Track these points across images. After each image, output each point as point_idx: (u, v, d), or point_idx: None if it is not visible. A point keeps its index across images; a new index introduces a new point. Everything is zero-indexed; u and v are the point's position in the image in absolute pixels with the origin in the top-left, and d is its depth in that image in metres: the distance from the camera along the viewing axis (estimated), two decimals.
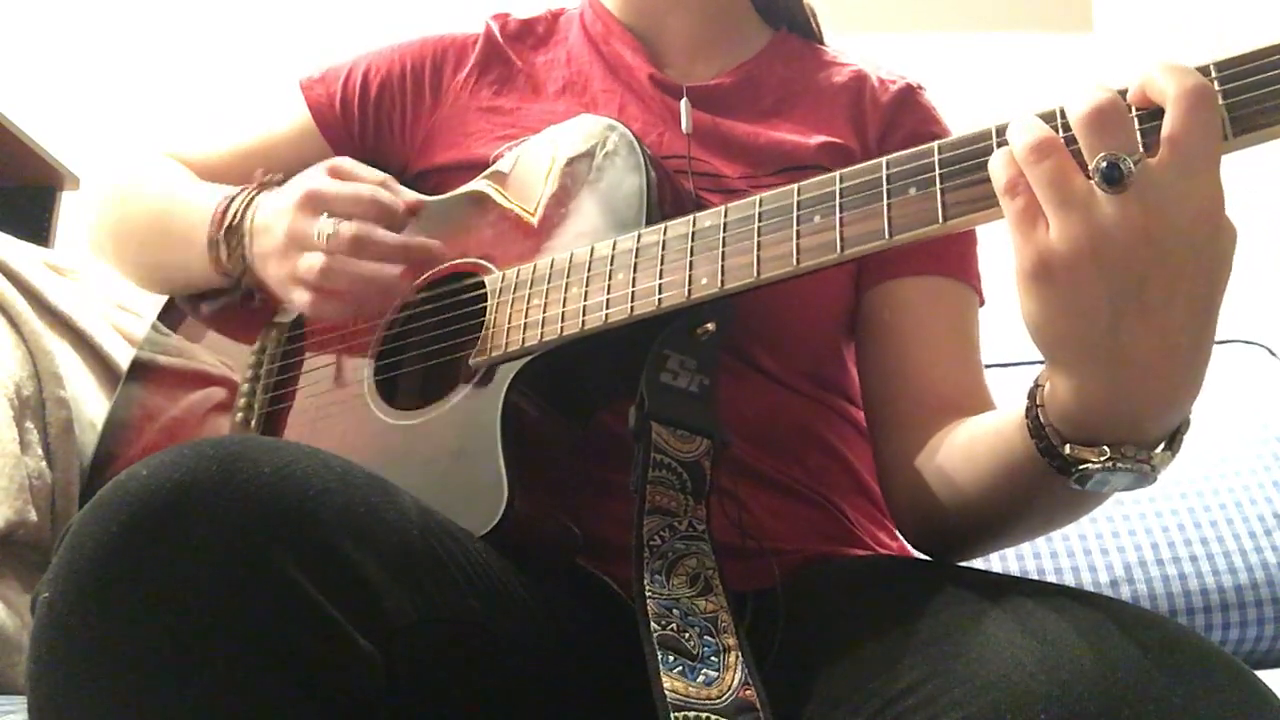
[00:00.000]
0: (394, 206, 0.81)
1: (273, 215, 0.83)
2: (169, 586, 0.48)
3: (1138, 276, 0.50)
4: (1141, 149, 0.50)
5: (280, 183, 0.87)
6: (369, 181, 0.82)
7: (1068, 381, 0.55)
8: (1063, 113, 0.53)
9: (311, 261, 0.78)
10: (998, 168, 0.53)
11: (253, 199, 0.87)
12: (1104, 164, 0.49)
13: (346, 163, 0.84)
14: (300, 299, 0.80)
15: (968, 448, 0.70)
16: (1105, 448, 0.55)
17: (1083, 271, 0.50)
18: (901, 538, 0.84)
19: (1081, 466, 0.56)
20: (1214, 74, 0.51)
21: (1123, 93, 0.52)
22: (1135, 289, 0.50)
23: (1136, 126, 0.51)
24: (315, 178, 0.82)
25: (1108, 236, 0.49)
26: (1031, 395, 0.60)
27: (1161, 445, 0.56)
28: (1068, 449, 0.57)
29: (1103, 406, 0.55)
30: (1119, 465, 0.55)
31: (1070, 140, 0.51)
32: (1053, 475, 0.58)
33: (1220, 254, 0.51)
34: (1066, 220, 0.50)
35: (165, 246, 0.95)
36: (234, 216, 0.87)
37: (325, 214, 0.78)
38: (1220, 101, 0.51)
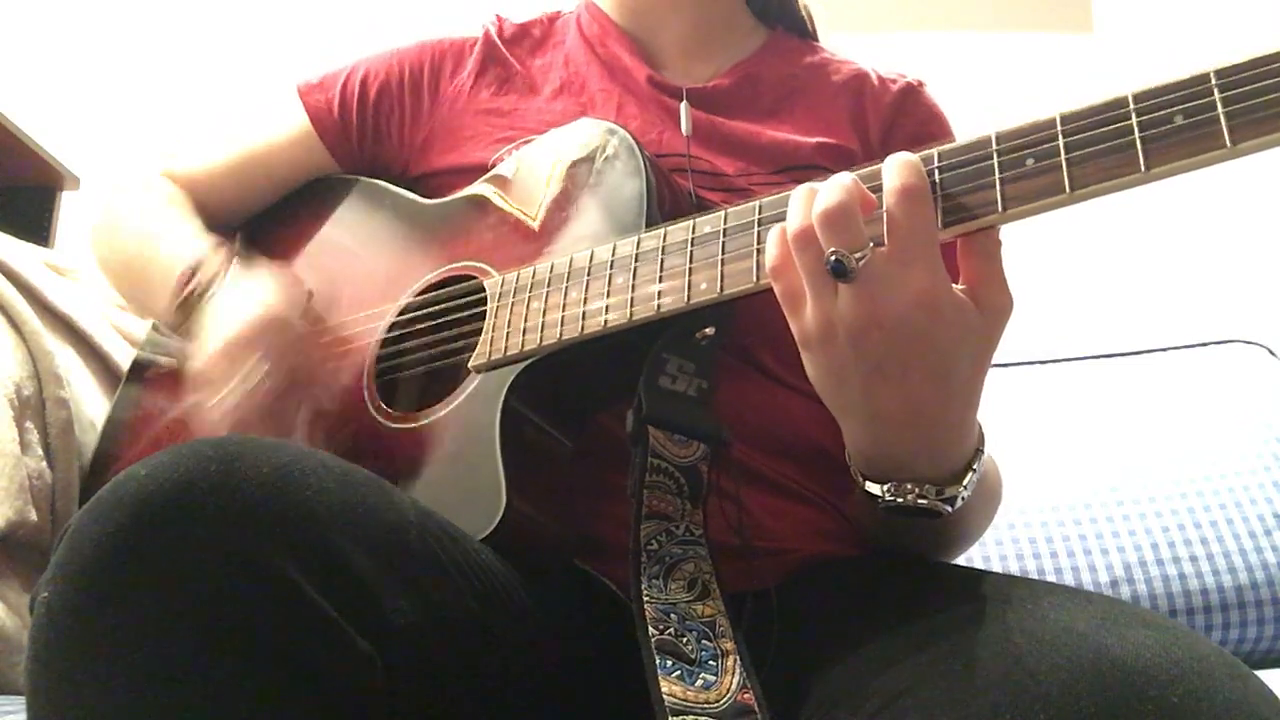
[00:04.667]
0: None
1: (217, 324, 0.81)
2: (167, 586, 0.48)
3: (874, 352, 0.57)
4: (870, 244, 0.56)
5: (242, 258, 0.88)
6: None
7: (846, 430, 0.65)
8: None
9: (217, 402, 0.78)
10: (770, 248, 0.60)
11: (212, 281, 0.86)
12: (832, 259, 0.55)
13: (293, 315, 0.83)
14: (200, 421, 0.79)
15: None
16: (890, 484, 0.63)
17: (831, 346, 0.58)
18: None
19: (875, 498, 0.64)
20: (1214, 80, 0.51)
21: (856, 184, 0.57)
22: (875, 361, 0.58)
23: (863, 225, 0.56)
24: (266, 323, 0.80)
25: (844, 320, 0.57)
26: None
27: (945, 484, 0.63)
28: (864, 482, 0.65)
29: (872, 451, 0.64)
30: (898, 499, 0.63)
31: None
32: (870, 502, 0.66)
33: (945, 331, 0.57)
34: (816, 304, 0.58)
35: (137, 293, 0.97)
36: (192, 292, 0.87)
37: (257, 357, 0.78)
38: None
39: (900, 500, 0.63)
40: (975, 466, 0.64)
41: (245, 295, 0.83)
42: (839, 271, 0.55)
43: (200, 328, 0.84)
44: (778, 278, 0.59)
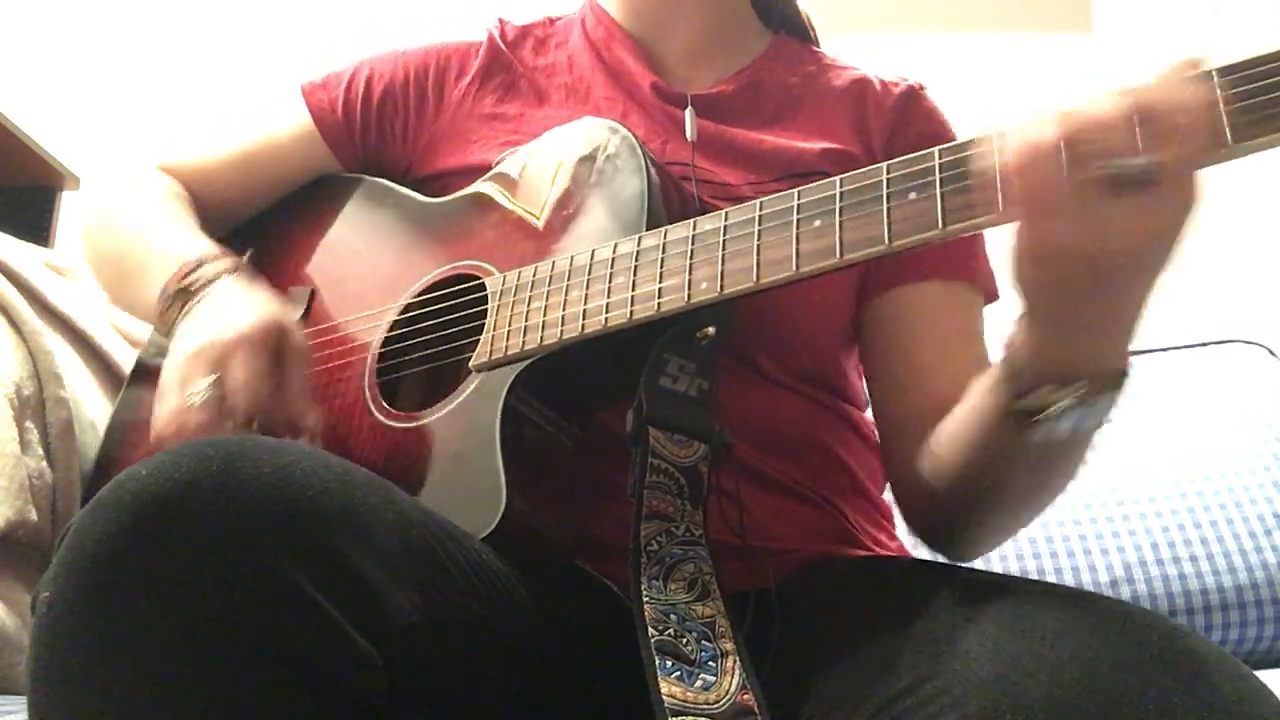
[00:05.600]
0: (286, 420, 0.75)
1: (198, 327, 0.78)
2: (169, 586, 0.48)
3: (1118, 268, 0.54)
4: (1144, 157, 0.51)
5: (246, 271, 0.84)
6: (293, 388, 0.76)
7: (1027, 332, 0.61)
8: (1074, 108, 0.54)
9: (168, 409, 0.74)
10: (1017, 145, 0.54)
11: (219, 276, 0.82)
12: (1111, 169, 0.51)
13: (295, 342, 0.78)
14: (155, 425, 0.75)
15: (948, 433, 0.74)
16: (1058, 389, 0.60)
17: (1071, 264, 0.54)
18: (910, 538, 0.85)
19: (1042, 415, 0.61)
20: (1216, 79, 0.51)
21: (1126, 93, 0.53)
22: (1115, 278, 0.55)
23: (1138, 134, 0.51)
24: (250, 336, 0.75)
25: (1105, 240, 0.53)
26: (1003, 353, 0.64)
27: (1102, 390, 0.60)
28: (1027, 399, 0.61)
29: (1050, 351, 0.60)
30: (1067, 403, 0.60)
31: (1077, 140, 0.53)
32: (1018, 423, 0.63)
33: (1181, 244, 0.54)
34: (1076, 217, 0.53)
35: (128, 284, 0.93)
36: (194, 282, 0.82)
37: (214, 375, 0.73)
38: (1221, 109, 0.52)
39: (1062, 403, 0.60)
40: (1129, 376, 0.61)
41: (234, 307, 0.78)
42: (1123, 182, 0.51)
43: (186, 318, 0.80)
44: (1021, 177, 0.53)
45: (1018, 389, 0.62)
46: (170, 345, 0.80)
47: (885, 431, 0.86)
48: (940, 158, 0.58)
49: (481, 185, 0.86)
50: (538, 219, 0.80)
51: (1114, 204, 0.52)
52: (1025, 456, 0.67)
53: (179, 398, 0.74)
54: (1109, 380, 0.60)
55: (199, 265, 0.83)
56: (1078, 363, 0.60)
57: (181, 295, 0.82)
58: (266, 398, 0.73)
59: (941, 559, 0.82)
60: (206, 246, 0.86)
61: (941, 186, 0.58)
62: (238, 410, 0.72)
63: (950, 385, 0.80)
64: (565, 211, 0.78)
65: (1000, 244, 0.64)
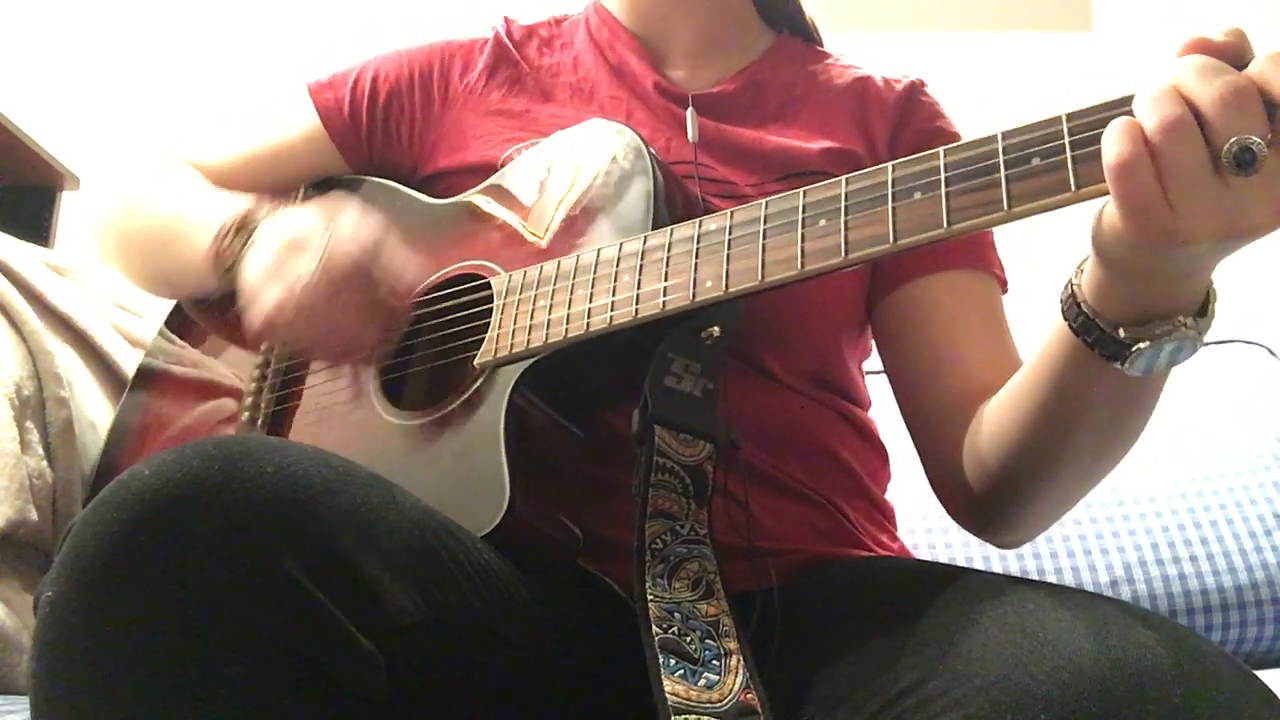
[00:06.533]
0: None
1: (281, 229, 0.80)
2: (171, 585, 0.48)
3: (1238, 244, 0.52)
4: (1269, 133, 0.49)
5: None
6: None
7: (1117, 289, 0.58)
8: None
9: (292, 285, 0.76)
10: (1117, 144, 0.51)
11: (257, 226, 0.84)
12: (1237, 148, 0.49)
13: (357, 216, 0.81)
14: (258, 313, 0.78)
15: (1011, 396, 0.72)
16: (1152, 323, 0.57)
17: (1196, 246, 0.51)
18: (913, 538, 0.85)
19: (1136, 346, 0.58)
20: None
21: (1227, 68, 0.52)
22: (1230, 249, 0.53)
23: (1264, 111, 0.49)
24: (346, 217, 0.79)
25: (1230, 222, 0.50)
26: (1069, 303, 0.62)
27: (1194, 313, 0.58)
28: (1121, 332, 0.58)
29: (1143, 302, 0.58)
30: (1164, 335, 0.57)
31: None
32: (1104, 367, 0.60)
33: None
34: (1194, 205, 0.50)
35: (170, 254, 0.94)
36: (237, 232, 0.84)
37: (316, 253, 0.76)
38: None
39: (1162, 338, 0.57)
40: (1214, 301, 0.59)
41: (295, 216, 0.81)
42: (1243, 161, 0.48)
43: (246, 258, 0.82)
44: (1126, 177, 0.51)
45: (1096, 331, 0.59)
46: (242, 270, 0.82)
47: (917, 423, 0.85)
48: (945, 157, 0.58)
49: (486, 186, 0.86)
50: (542, 220, 0.80)
51: (1237, 186, 0.50)
52: (1106, 398, 0.65)
53: (281, 285, 0.76)
54: (1197, 310, 0.58)
55: (259, 206, 0.86)
56: (1167, 305, 0.57)
57: (241, 230, 0.84)
58: (368, 259, 0.77)
59: (970, 551, 0.82)
60: (244, 203, 0.88)
61: (946, 186, 0.58)
62: (353, 268, 0.76)
63: (982, 371, 0.80)
64: (571, 211, 0.78)
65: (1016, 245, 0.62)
